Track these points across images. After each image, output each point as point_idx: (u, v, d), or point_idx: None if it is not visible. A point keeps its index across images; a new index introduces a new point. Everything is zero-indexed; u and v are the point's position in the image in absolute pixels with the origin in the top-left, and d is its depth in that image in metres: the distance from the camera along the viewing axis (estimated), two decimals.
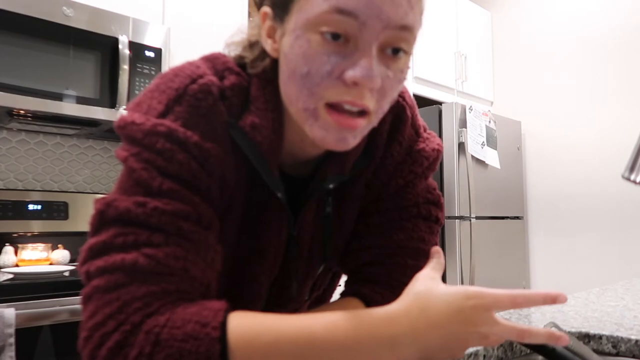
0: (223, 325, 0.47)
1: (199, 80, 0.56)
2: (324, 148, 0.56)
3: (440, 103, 2.95)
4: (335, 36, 0.49)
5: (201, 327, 0.46)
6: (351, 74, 0.49)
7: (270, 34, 0.57)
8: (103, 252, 0.50)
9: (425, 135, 0.72)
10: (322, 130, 0.53)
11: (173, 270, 0.50)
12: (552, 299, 0.48)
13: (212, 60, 0.60)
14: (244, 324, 0.48)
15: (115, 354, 0.46)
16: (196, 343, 0.45)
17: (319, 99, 0.52)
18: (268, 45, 0.57)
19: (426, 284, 0.50)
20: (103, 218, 0.52)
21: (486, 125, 2.91)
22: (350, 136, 0.54)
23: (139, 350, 0.45)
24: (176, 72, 0.58)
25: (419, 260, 0.68)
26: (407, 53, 0.53)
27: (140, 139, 0.53)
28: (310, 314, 0.50)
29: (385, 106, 0.55)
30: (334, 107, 0.52)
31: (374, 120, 0.56)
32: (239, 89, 0.59)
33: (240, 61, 0.62)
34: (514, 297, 0.48)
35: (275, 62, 0.59)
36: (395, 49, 0.52)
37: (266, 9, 0.56)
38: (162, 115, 0.54)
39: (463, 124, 2.79)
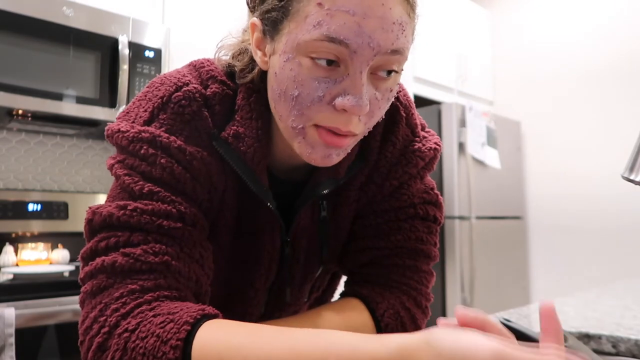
0: (187, 341, 0.45)
1: (183, 88, 0.57)
2: (309, 162, 0.56)
3: (440, 103, 2.95)
4: (329, 62, 0.49)
5: (161, 343, 0.45)
6: (341, 102, 0.50)
7: (259, 46, 0.56)
8: (90, 257, 0.52)
9: (422, 134, 0.71)
10: (309, 147, 0.54)
11: (152, 266, 0.51)
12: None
13: (198, 69, 0.61)
14: (210, 344, 0.45)
15: (99, 357, 0.47)
16: None
17: (308, 120, 0.52)
18: (257, 56, 0.57)
19: (442, 334, 0.38)
20: (91, 226, 0.54)
21: (486, 125, 2.91)
22: (335, 153, 0.54)
23: (112, 356, 0.46)
24: (162, 80, 0.59)
25: (417, 260, 0.68)
26: (398, 72, 0.53)
27: (126, 146, 0.55)
28: (290, 337, 0.44)
29: (372, 124, 0.56)
30: (322, 127, 0.53)
31: (359, 138, 0.56)
32: (222, 98, 0.59)
33: (229, 69, 0.62)
34: None
35: (262, 72, 0.59)
36: (387, 71, 0.52)
37: (256, 20, 0.55)
38: (148, 122, 0.56)
39: (463, 124, 2.79)
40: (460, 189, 2.74)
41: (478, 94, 3.44)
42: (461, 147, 2.77)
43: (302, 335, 0.44)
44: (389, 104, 0.55)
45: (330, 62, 0.49)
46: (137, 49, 1.83)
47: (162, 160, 0.54)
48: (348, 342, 0.41)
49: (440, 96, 3.11)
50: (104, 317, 0.48)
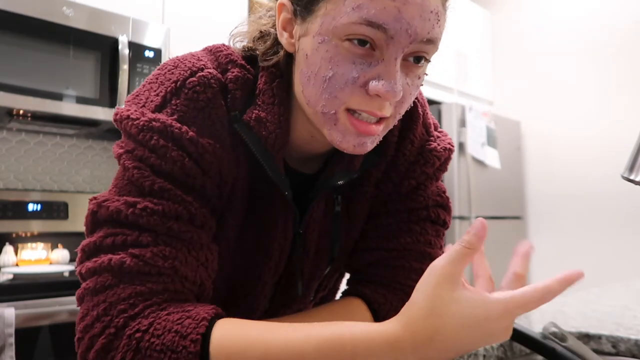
0: (205, 336, 0.46)
1: (198, 73, 0.55)
2: (340, 149, 0.56)
3: (440, 103, 2.95)
4: (363, 42, 0.49)
5: (180, 338, 0.45)
6: (375, 86, 0.49)
7: (286, 27, 0.55)
8: (94, 253, 0.50)
9: (436, 134, 0.71)
10: (340, 134, 0.53)
11: (161, 270, 0.49)
12: (570, 281, 0.47)
13: (215, 53, 0.59)
14: (228, 338, 0.46)
15: (102, 358, 0.46)
16: (174, 356, 0.44)
17: (340, 103, 0.51)
18: (283, 38, 0.56)
19: (438, 293, 0.45)
20: (95, 219, 0.52)
21: (486, 125, 2.91)
22: (369, 141, 0.54)
23: (122, 357, 0.45)
24: (176, 63, 0.57)
25: (424, 264, 0.68)
26: (428, 61, 0.53)
27: (135, 134, 0.53)
28: (303, 327, 0.47)
29: (402, 111, 0.55)
30: (352, 112, 0.52)
31: (390, 125, 0.56)
32: (243, 82, 0.58)
33: (247, 53, 0.61)
34: (540, 295, 0.46)
35: (286, 56, 0.58)
36: (418, 58, 0.52)
37: (285, 0, 0.55)
38: (159, 108, 0.54)
39: (463, 124, 2.79)
40: (460, 189, 2.74)
41: (478, 94, 3.44)
42: (461, 147, 2.77)
43: (318, 325, 0.47)
44: (417, 92, 0.55)
45: (364, 43, 0.49)
46: (137, 49, 1.83)
47: (173, 154, 0.52)
48: (361, 325, 0.46)
49: (440, 96, 3.11)
50: (109, 317, 0.47)
